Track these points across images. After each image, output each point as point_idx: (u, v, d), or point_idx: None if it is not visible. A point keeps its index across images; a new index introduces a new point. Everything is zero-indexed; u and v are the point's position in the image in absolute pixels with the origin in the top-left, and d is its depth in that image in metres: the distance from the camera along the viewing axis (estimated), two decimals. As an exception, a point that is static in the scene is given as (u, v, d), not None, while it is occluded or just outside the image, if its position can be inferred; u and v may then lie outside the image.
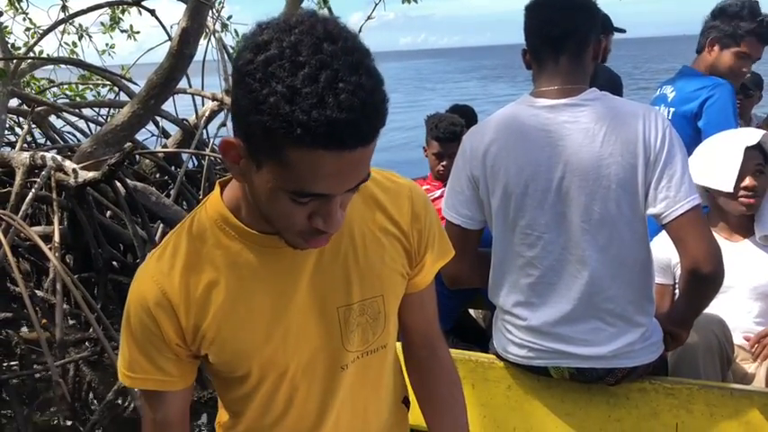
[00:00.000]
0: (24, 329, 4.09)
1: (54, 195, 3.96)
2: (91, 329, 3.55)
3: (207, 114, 6.13)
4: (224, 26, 6.87)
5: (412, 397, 1.27)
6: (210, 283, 0.98)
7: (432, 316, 1.22)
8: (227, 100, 5.71)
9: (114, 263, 4.54)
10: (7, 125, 6.11)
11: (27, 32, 6.69)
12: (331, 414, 1.08)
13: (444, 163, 2.84)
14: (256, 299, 0.99)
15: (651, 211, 1.64)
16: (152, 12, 5.90)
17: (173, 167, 5.91)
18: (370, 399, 1.13)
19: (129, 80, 6.47)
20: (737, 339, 2.03)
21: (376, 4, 6.03)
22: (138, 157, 5.99)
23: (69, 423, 3.44)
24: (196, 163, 6.62)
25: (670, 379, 1.80)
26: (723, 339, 1.89)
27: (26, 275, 4.43)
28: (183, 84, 5.76)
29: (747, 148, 2.03)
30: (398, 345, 1.24)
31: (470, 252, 1.84)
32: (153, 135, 6.98)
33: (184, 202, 5.57)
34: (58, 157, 4.16)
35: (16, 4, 6.42)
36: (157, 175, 6.01)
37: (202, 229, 0.99)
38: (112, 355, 3.10)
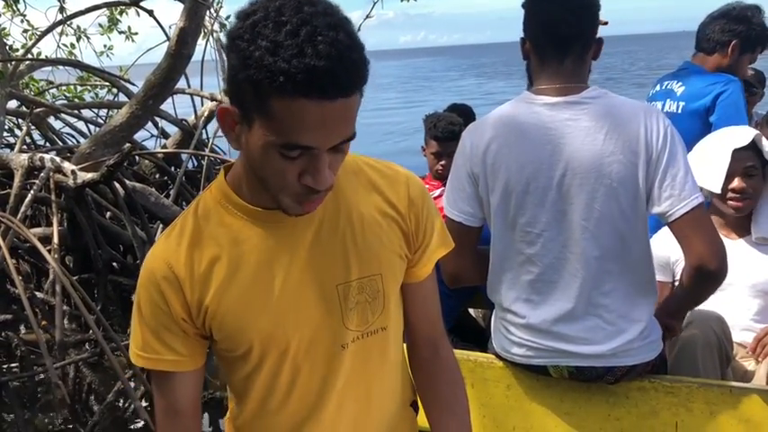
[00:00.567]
0: (24, 330, 4.09)
1: (53, 197, 3.96)
2: (90, 331, 3.55)
3: (206, 114, 6.12)
4: (222, 26, 6.83)
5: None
6: (213, 258, 1.02)
7: (434, 315, 1.23)
8: (226, 100, 5.69)
9: (114, 264, 4.55)
10: (6, 127, 6.12)
11: (25, 34, 6.67)
12: (333, 398, 1.09)
13: (443, 162, 2.84)
14: (255, 272, 1.03)
15: (655, 209, 1.64)
16: (150, 12, 5.88)
17: (172, 168, 5.91)
18: (373, 385, 1.13)
19: (128, 81, 6.47)
20: (737, 336, 2.03)
21: (375, 3, 5.99)
22: (137, 157, 5.99)
23: (70, 425, 3.44)
24: (195, 163, 6.61)
25: (669, 377, 1.79)
26: (722, 336, 1.89)
27: (26, 277, 4.42)
28: (181, 84, 5.76)
29: (737, 150, 2.01)
30: (405, 346, 1.24)
31: (471, 249, 1.85)
32: (152, 135, 6.96)
33: (184, 203, 5.55)
34: (57, 159, 4.15)
35: (13, 6, 6.40)
36: (157, 176, 6.00)
37: (207, 209, 1.05)
38: (112, 356, 3.09)
